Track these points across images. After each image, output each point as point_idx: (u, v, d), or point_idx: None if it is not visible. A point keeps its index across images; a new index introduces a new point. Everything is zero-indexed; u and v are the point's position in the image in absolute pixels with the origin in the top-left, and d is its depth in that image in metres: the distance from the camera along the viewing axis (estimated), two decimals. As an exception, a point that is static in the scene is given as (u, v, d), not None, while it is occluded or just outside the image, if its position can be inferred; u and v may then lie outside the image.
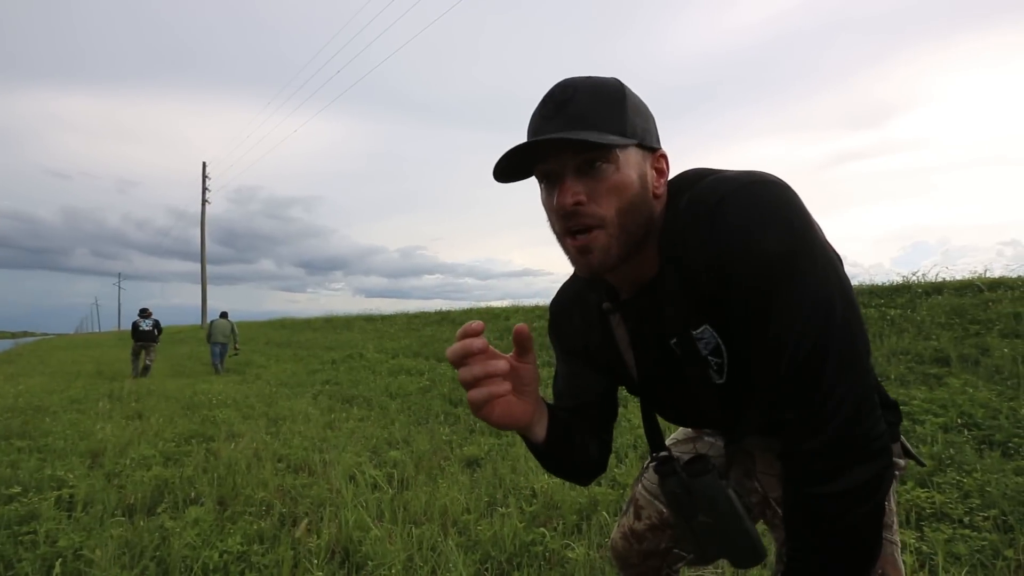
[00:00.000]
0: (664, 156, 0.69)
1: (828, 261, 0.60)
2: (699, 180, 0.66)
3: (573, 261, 0.68)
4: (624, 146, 0.63)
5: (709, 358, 0.68)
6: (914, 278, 6.47)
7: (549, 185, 0.67)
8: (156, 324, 9.37)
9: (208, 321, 12.92)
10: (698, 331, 0.67)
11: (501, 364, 0.61)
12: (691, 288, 0.65)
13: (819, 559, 0.60)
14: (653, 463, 0.86)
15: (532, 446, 0.74)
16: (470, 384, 0.60)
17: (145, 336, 9.24)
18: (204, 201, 26.63)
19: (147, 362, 9.29)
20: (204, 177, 26.68)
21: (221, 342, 9.81)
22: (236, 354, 10.40)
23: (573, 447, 0.77)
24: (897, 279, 6.61)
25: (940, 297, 5.58)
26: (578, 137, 0.60)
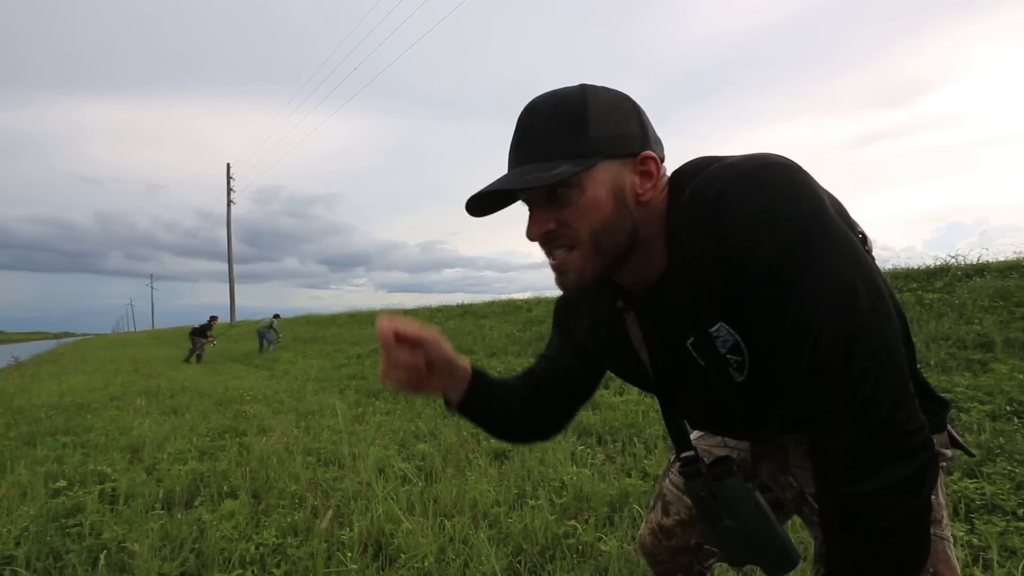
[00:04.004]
0: (650, 157, 0.65)
1: (846, 243, 0.55)
2: (701, 171, 0.63)
3: (554, 279, 0.70)
4: (588, 167, 0.61)
5: (728, 356, 0.65)
6: (953, 260, 6.21)
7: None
8: (201, 328, 13.36)
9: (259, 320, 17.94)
10: (714, 329, 0.64)
11: (405, 356, 0.69)
12: (702, 285, 0.62)
13: (860, 562, 0.56)
14: (678, 463, 0.84)
15: (448, 406, 0.81)
16: (383, 366, 0.69)
17: (193, 332, 13.45)
18: (229, 202, 27.22)
19: (194, 349, 13.00)
20: (229, 178, 27.26)
21: (265, 334, 13.95)
22: (279, 343, 14.10)
23: (501, 412, 0.83)
24: (931, 262, 6.35)
25: (982, 279, 5.34)
26: (516, 187, 0.61)
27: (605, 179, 0.63)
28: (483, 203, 0.69)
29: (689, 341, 0.68)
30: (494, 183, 0.64)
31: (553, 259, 0.67)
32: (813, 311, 0.54)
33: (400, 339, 0.67)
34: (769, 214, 0.55)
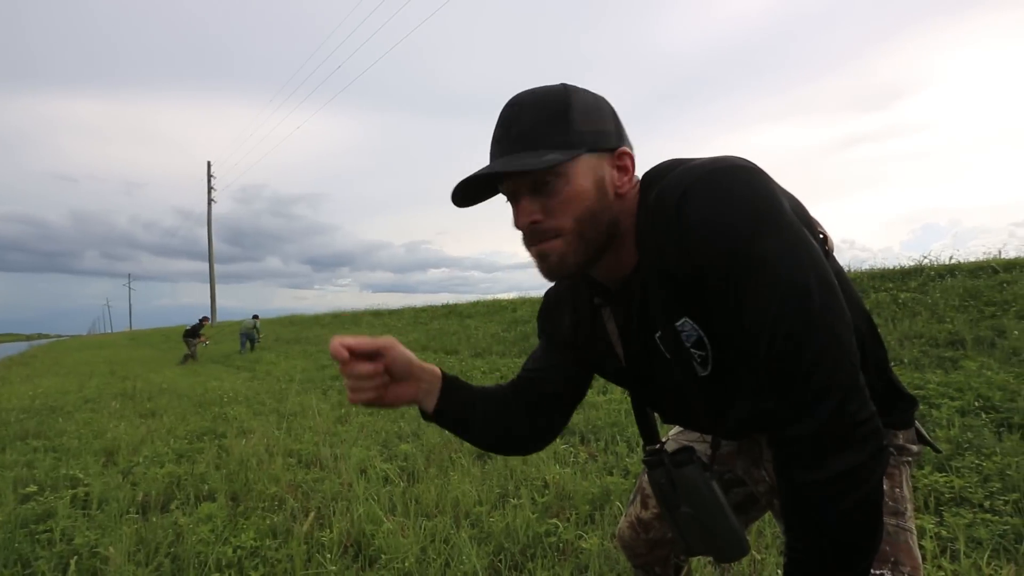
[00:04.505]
0: (626, 153, 0.69)
1: (800, 243, 0.58)
2: (668, 173, 0.65)
3: (537, 266, 0.71)
4: (572, 159, 0.64)
5: (692, 351, 0.68)
6: (926, 261, 6.39)
7: (512, 204, 0.70)
8: (192, 329, 13.20)
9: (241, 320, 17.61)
10: (679, 323, 0.67)
11: (367, 368, 0.69)
12: (667, 282, 0.65)
13: (815, 548, 0.59)
14: (644, 454, 0.86)
15: (426, 416, 0.80)
16: (349, 387, 0.70)
17: (186, 334, 13.23)
18: (210, 201, 26.74)
19: (188, 351, 12.98)
20: (209, 177, 26.77)
21: (246, 334, 13.97)
22: (259, 341, 14.13)
23: (480, 420, 0.82)
24: (907, 262, 6.54)
25: (953, 279, 5.51)
26: (508, 169, 0.62)
27: (587, 171, 0.66)
28: (468, 193, 0.70)
29: (657, 335, 0.71)
30: (485, 168, 0.65)
31: (535, 247, 0.69)
32: (768, 308, 0.57)
33: (355, 354, 0.68)
34: (727, 216, 0.58)
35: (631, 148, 0.70)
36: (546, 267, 0.69)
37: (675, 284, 0.64)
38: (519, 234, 0.70)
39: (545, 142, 0.64)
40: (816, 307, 0.56)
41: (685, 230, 0.60)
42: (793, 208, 0.62)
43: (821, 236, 0.71)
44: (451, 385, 0.80)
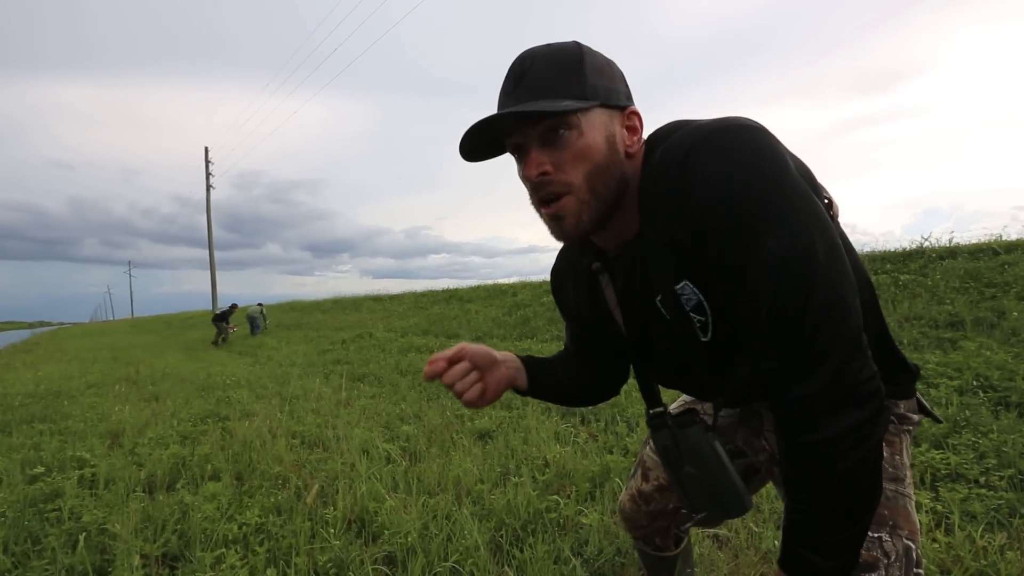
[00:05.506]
0: (636, 113, 0.69)
1: (805, 203, 0.58)
2: (672, 134, 0.65)
3: (549, 229, 0.70)
4: (585, 109, 0.63)
5: (692, 315, 0.68)
6: (927, 243, 6.37)
7: (519, 158, 0.68)
8: (223, 313, 13.55)
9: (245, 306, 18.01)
10: (679, 286, 0.67)
11: (461, 367, 0.76)
12: (669, 244, 0.64)
13: (816, 508, 0.59)
14: (647, 418, 0.88)
15: (522, 393, 0.87)
16: (455, 392, 0.77)
17: (215, 318, 13.67)
18: (208, 187, 26.58)
19: (220, 334, 13.05)
20: (207, 163, 26.57)
21: (252, 318, 14.37)
22: (266, 329, 14.46)
23: (564, 382, 0.92)
24: (908, 245, 6.51)
25: (954, 261, 5.50)
26: (527, 109, 0.61)
27: (599, 125, 0.65)
28: (475, 145, 0.68)
29: (658, 298, 0.71)
30: (498, 112, 0.64)
31: (548, 208, 0.67)
32: (771, 267, 0.57)
33: (448, 363, 0.76)
34: (732, 175, 0.57)
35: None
36: (560, 229, 0.68)
37: (676, 245, 0.64)
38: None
39: (559, 92, 0.63)
40: (820, 267, 0.56)
41: (688, 189, 0.59)
42: (799, 170, 0.62)
43: (826, 201, 0.71)
44: (531, 361, 0.88)
